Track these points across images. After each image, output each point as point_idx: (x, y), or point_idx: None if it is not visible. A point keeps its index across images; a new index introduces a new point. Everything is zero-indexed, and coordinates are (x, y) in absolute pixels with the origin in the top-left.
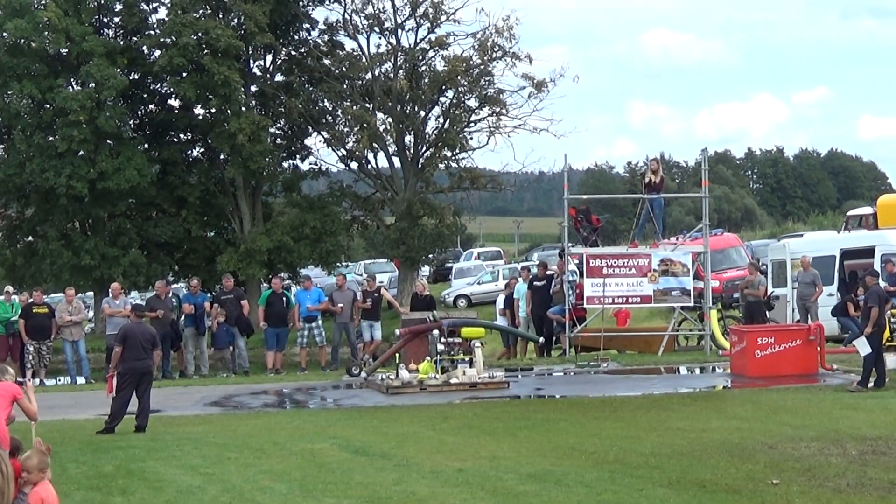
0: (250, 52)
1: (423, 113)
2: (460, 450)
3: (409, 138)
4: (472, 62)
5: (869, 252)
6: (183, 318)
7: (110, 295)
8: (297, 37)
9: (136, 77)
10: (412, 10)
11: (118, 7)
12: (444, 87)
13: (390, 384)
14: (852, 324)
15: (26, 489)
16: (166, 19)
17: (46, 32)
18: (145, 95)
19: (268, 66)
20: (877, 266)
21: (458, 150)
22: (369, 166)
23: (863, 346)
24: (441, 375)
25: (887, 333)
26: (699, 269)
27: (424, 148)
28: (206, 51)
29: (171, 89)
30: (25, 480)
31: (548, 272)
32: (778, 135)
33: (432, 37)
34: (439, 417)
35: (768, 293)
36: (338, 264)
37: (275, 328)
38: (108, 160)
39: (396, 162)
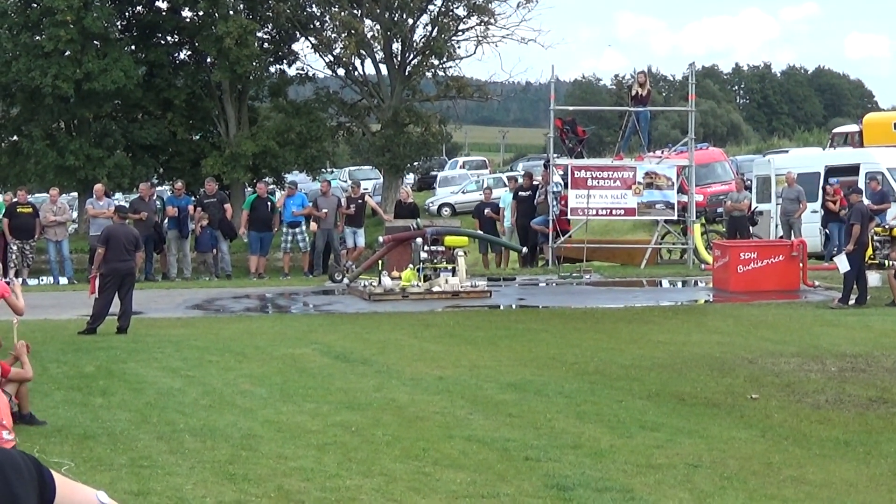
0: None
1: (411, 20)
2: (441, 358)
3: (396, 46)
4: None
5: (854, 169)
6: (166, 220)
7: (94, 196)
8: None
9: None
10: None
11: None
12: None
13: (372, 291)
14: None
15: None
16: None
17: None
18: None
19: None
20: (861, 184)
21: (445, 59)
22: (356, 73)
23: (842, 263)
24: (423, 283)
25: (870, 251)
26: (683, 182)
27: (412, 56)
28: None
29: None
30: None
31: (533, 182)
32: (765, 50)
33: None
34: (421, 325)
35: (752, 208)
36: (322, 170)
37: (258, 233)
38: (95, 61)
39: (383, 69)
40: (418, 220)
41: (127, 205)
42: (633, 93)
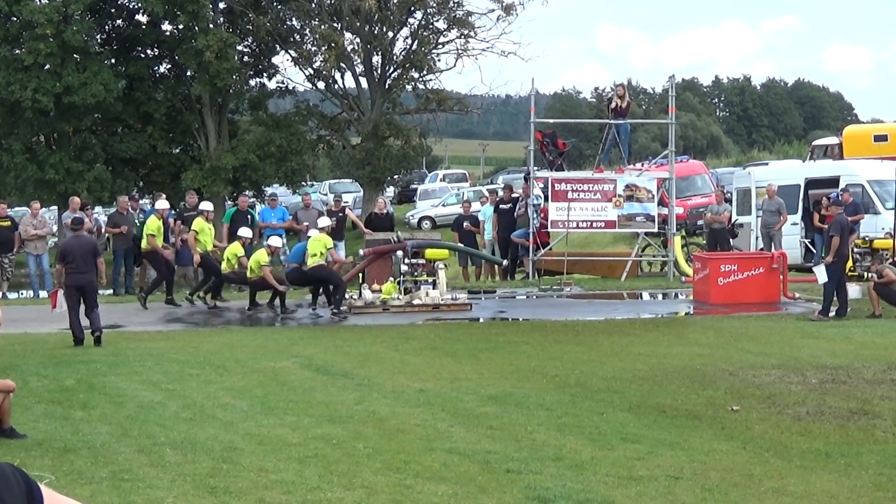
0: None
1: (391, 34)
2: (422, 370)
3: (376, 59)
4: None
5: (834, 182)
6: None
7: (70, 209)
8: None
9: None
10: None
11: None
12: (412, 8)
13: (353, 304)
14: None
15: None
16: None
17: None
18: (113, 10)
19: None
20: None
21: (425, 72)
22: (336, 86)
23: (821, 274)
24: (404, 296)
25: (850, 263)
26: (664, 195)
27: (392, 69)
28: None
29: (139, 4)
30: None
31: (513, 195)
32: (745, 63)
33: None
34: (401, 338)
35: (732, 221)
36: (303, 183)
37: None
38: (75, 74)
39: (363, 82)
40: (398, 232)
41: (106, 218)
42: (613, 105)
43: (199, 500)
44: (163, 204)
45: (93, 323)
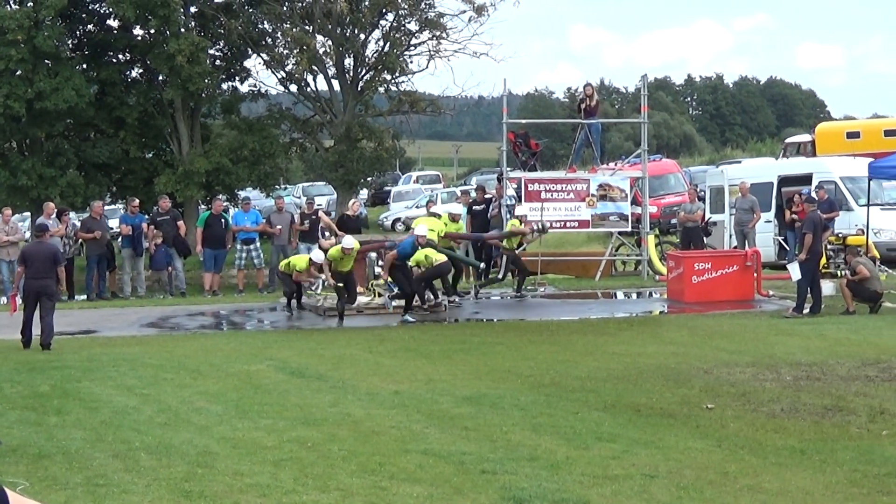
0: None
1: (363, 36)
2: (396, 372)
3: (348, 61)
4: None
5: (806, 179)
6: (120, 238)
7: (44, 215)
8: None
9: None
10: None
11: None
12: (384, 11)
13: (327, 306)
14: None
15: None
16: None
17: None
18: (84, 15)
19: None
20: (814, 194)
21: (397, 74)
22: (308, 89)
23: (794, 271)
24: (378, 298)
25: (824, 260)
26: (637, 194)
27: (364, 71)
28: None
29: (110, 9)
30: None
31: (486, 196)
32: (718, 61)
33: None
34: (376, 340)
35: (706, 219)
36: (276, 187)
37: (213, 250)
38: (46, 80)
39: (336, 85)
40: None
41: (79, 223)
42: (584, 105)
43: None
44: (349, 242)
45: (44, 329)
